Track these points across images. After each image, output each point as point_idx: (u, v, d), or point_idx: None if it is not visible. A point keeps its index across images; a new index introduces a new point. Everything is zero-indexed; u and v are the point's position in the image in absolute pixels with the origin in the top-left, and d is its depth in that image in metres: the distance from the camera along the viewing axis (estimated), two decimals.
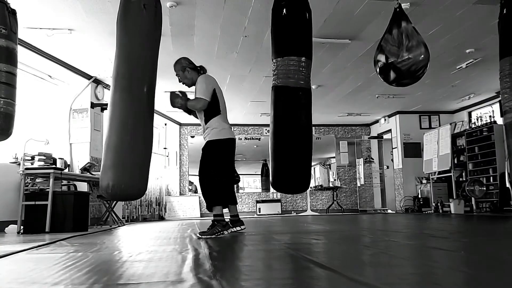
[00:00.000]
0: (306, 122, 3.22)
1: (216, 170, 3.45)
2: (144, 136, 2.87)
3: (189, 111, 3.71)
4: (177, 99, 3.47)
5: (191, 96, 3.57)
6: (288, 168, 3.16)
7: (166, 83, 6.72)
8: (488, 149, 7.78)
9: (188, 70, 3.59)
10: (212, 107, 3.48)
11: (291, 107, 3.17)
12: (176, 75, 3.66)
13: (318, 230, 4.13)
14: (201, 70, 3.65)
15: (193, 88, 3.63)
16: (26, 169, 4.83)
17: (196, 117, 3.70)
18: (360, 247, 2.61)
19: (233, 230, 3.55)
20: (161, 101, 7.95)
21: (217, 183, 3.44)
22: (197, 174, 3.53)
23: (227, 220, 3.50)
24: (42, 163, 4.97)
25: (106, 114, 3.16)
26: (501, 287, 1.28)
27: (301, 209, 10.68)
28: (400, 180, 9.85)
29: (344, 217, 7.27)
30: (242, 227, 3.63)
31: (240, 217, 3.69)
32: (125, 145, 2.77)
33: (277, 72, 3.20)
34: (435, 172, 8.88)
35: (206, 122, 3.49)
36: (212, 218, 3.41)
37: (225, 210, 3.54)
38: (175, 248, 2.58)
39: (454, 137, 8.80)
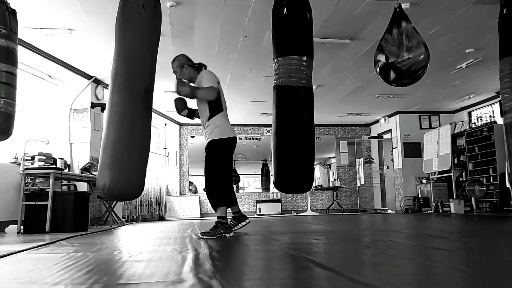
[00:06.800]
0: (308, 121, 3.22)
1: (221, 170, 3.42)
2: (141, 136, 2.86)
3: (191, 115, 3.67)
4: (184, 87, 3.34)
5: None
6: (291, 167, 3.15)
7: (166, 83, 6.71)
8: (488, 149, 7.78)
9: (186, 67, 3.55)
10: (216, 103, 3.44)
11: (293, 106, 3.17)
12: (174, 72, 3.60)
13: (318, 230, 4.13)
14: (200, 67, 3.61)
15: None
16: (26, 169, 4.83)
17: (197, 117, 3.68)
18: (360, 247, 2.61)
19: (236, 229, 3.55)
20: (161, 101, 7.96)
21: (222, 183, 3.42)
22: (203, 174, 3.48)
23: (229, 218, 3.49)
24: (42, 163, 4.97)
25: (105, 113, 3.16)
26: (501, 287, 1.28)
27: (301, 209, 10.68)
28: (400, 180, 9.85)
29: (344, 217, 7.26)
30: (247, 221, 3.62)
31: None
32: (123, 145, 2.77)
33: (278, 71, 3.20)
34: (435, 172, 8.88)
35: (209, 118, 3.44)
36: (216, 219, 3.40)
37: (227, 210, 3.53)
38: (175, 248, 2.58)
39: (454, 137, 8.80)
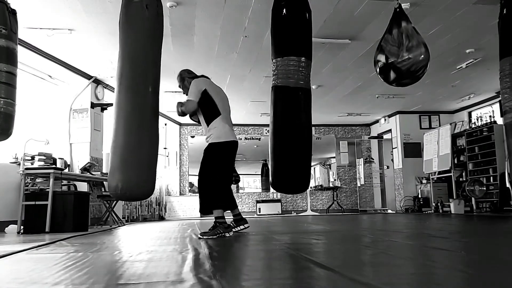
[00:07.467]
0: (306, 122, 3.21)
1: (216, 173, 3.42)
2: (150, 136, 2.86)
3: (194, 116, 3.71)
4: (178, 108, 3.50)
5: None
6: (288, 168, 3.15)
7: (167, 83, 6.71)
8: (488, 149, 7.78)
9: (187, 80, 3.63)
10: (210, 109, 3.47)
11: (291, 107, 3.17)
12: (179, 86, 3.73)
13: (318, 230, 4.14)
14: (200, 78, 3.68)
15: None
16: (26, 169, 4.83)
17: (198, 122, 3.70)
18: (360, 247, 2.61)
19: (236, 230, 3.56)
20: (161, 101, 7.95)
21: (216, 187, 3.41)
22: (197, 175, 3.51)
23: (229, 221, 3.50)
24: (42, 163, 4.97)
25: (111, 114, 3.15)
26: (501, 287, 1.28)
27: (301, 209, 10.68)
28: (400, 180, 9.85)
29: (344, 217, 7.26)
30: (246, 225, 3.65)
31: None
32: (132, 146, 2.77)
33: (276, 72, 3.20)
34: (435, 172, 8.88)
35: (207, 124, 3.48)
36: (214, 219, 3.40)
37: (226, 212, 3.53)
38: (175, 248, 2.58)
39: (454, 137, 8.80)
